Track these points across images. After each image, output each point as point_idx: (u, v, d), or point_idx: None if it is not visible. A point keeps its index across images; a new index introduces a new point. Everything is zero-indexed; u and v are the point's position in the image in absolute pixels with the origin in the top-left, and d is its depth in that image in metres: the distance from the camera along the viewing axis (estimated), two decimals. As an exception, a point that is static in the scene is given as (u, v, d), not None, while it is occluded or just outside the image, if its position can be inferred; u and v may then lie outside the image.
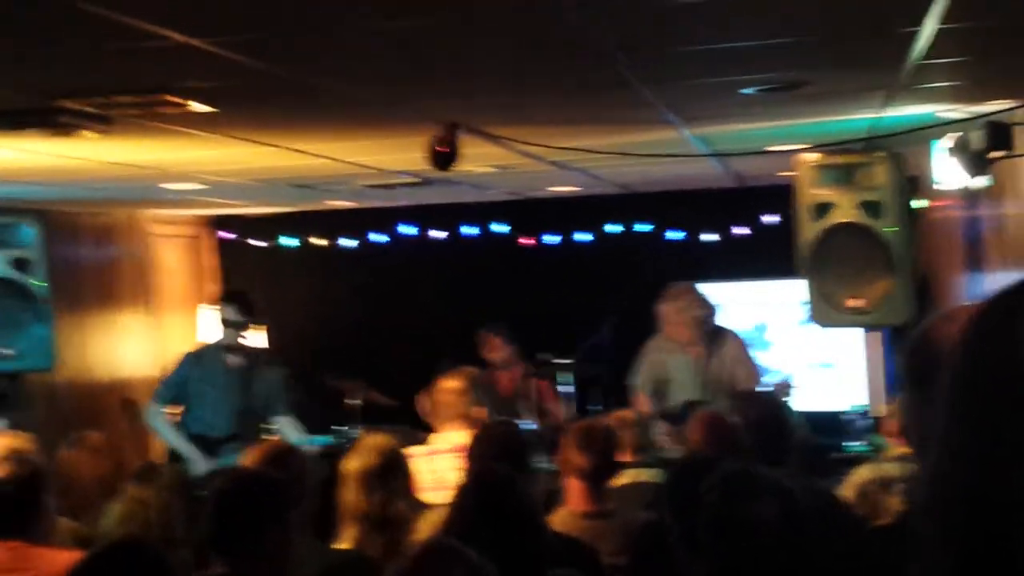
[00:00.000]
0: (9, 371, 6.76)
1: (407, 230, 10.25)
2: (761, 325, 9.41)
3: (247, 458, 4.16)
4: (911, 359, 1.85)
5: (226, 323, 7.05)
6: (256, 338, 8.78)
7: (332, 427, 8.06)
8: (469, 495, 3.32)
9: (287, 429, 6.96)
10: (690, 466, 3.99)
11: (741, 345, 7.33)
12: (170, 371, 7.29)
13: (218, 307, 7.15)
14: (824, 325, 6.86)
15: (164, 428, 7.08)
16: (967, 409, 1.22)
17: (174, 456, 7.06)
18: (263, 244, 10.55)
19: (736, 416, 4.46)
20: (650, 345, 7.43)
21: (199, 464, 6.92)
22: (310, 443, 6.88)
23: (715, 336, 7.21)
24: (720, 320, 7.35)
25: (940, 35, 3.45)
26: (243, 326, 7.09)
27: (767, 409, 4.70)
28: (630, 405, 7.05)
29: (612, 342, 8.33)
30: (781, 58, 3.83)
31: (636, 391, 7.40)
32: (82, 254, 9.02)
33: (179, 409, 7.14)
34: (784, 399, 6.79)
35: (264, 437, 6.88)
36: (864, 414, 6.97)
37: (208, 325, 8.40)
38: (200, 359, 7.22)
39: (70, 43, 3.06)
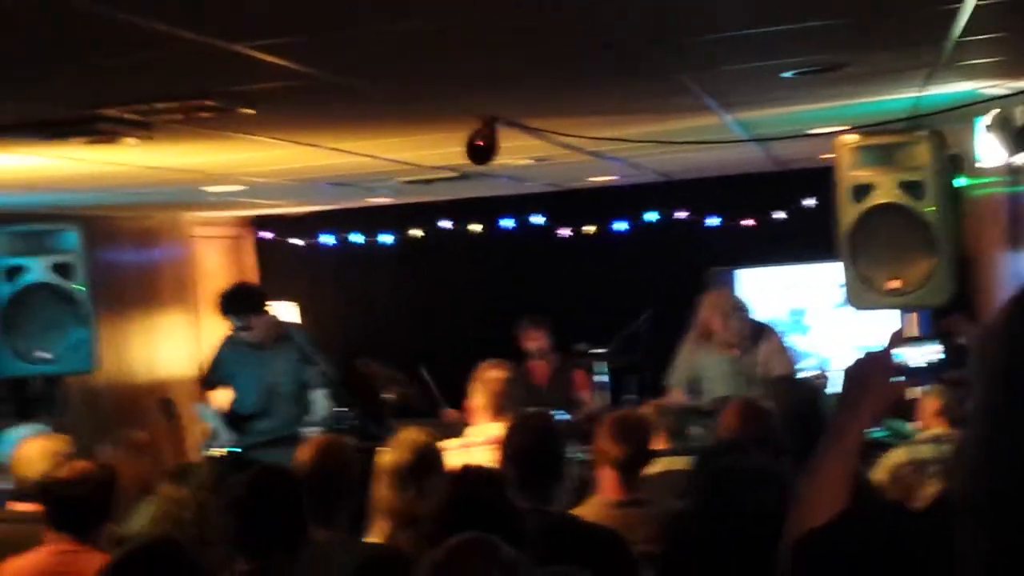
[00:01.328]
0: (49, 374, 6.85)
1: (445, 224, 10.25)
2: (800, 309, 9.37)
3: (302, 452, 4.17)
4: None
5: (241, 330, 7.24)
6: (288, 313, 8.92)
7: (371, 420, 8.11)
8: (446, 494, 3.30)
9: (320, 403, 7.07)
10: (718, 451, 3.98)
11: (778, 339, 7.38)
12: (210, 361, 7.50)
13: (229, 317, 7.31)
14: (861, 307, 6.80)
15: (204, 408, 7.29)
16: (1010, 393, 1.19)
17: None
18: (302, 243, 10.58)
19: (770, 403, 4.44)
20: (685, 344, 7.47)
21: (221, 437, 7.06)
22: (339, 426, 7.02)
23: (752, 334, 7.22)
24: (758, 310, 7.36)
25: (979, 11, 3.41)
26: (247, 327, 7.26)
27: (801, 395, 4.71)
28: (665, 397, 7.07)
29: (649, 331, 8.30)
30: (821, 40, 3.80)
31: (671, 389, 7.42)
32: (123, 258, 9.08)
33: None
34: (820, 386, 6.78)
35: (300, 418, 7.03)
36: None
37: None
38: (231, 340, 7.49)
39: (110, 53, 3.07)
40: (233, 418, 7.20)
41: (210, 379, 7.40)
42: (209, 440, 7.25)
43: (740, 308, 7.27)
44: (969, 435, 1.22)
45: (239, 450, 7.01)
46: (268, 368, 7.25)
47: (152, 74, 3.37)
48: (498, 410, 5.26)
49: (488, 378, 5.34)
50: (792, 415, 4.39)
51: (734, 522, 2.90)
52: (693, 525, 3.12)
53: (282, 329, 7.58)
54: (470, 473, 3.46)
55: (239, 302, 7.33)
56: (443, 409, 8.10)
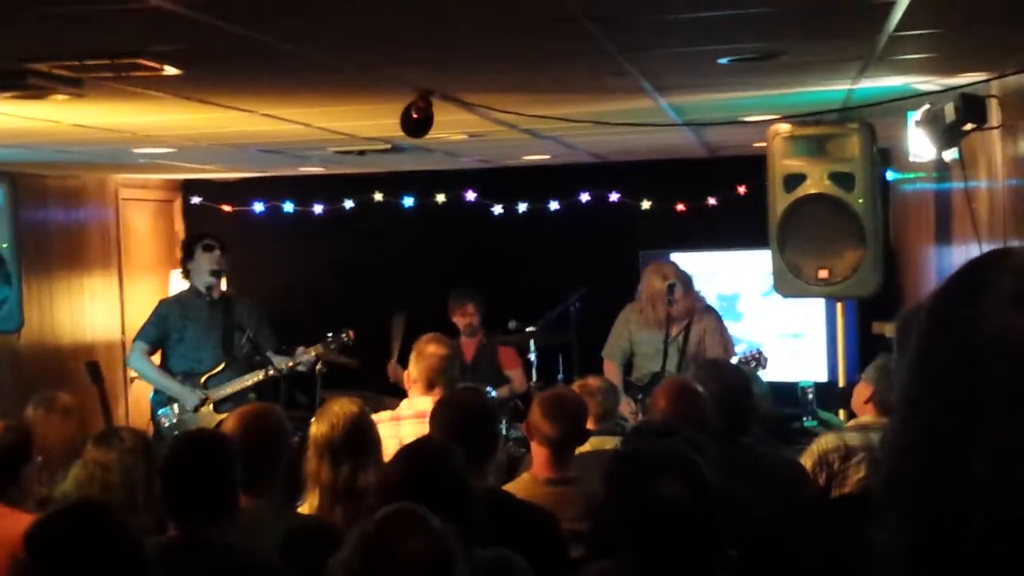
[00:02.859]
0: (-30, 332, 6.74)
1: (378, 197, 10.22)
2: (733, 295, 9.46)
3: (227, 423, 4.14)
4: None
5: (214, 272, 7.13)
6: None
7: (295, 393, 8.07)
8: (396, 467, 3.26)
9: (277, 358, 7.02)
10: (646, 432, 4.00)
11: (716, 319, 7.39)
12: (149, 317, 7.36)
13: (201, 253, 7.18)
14: (788, 295, 6.87)
15: (148, 368, 7.20)
16: (926, 382, 1.21)
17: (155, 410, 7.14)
18: (232, 209, 10.49)
19: (701, 385, 4.47)
20: (623, 315, 7.50)
21: (190, 398, 7.00)
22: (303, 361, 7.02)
23: (691, 311, 7.23)
24: (697, 293, 7.36)
25: (915, 6, 3.44)
26: (226, 275, 7.20)
27: (732, 379, 4.73)
28: (600, 373, 7.06)
29: (579, 312, 8.33)
30: (759, 28, 3.82)
31: (605, 360, 7.44)
32: (50, 217, 8.95)
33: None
34: (751, 369, 6.84)
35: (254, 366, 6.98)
36: (809, 389, 7.01)
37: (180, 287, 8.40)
38: (177, 300, 7.41)
39: (42, 6, 3.02)
40: (192, 377, 7.12)
41: (150, 332, 7.27)
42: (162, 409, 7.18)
43: (684, 281, 7.24)
44: (890, 422, 1.24)
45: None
46: (228, 320, 7.16)
47: (83, 29, 3.32)
48: (430, 384, 5.24)
49: (426, 352, 5.30)
50: (723, 398, 4.42)
51: (639, 506, 2.91)
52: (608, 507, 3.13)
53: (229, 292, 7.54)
54: (422, 447, 3.43)
55: (224, 248, 7.26)
56: (392, 361, 8.11)
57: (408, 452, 3.35)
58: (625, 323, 7.45)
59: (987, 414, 1.14)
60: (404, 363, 5.62)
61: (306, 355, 7.08)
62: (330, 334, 7.19)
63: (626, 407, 6.89)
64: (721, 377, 4.65)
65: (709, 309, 7.46)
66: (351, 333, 7.25)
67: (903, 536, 1.19)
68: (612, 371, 7.26)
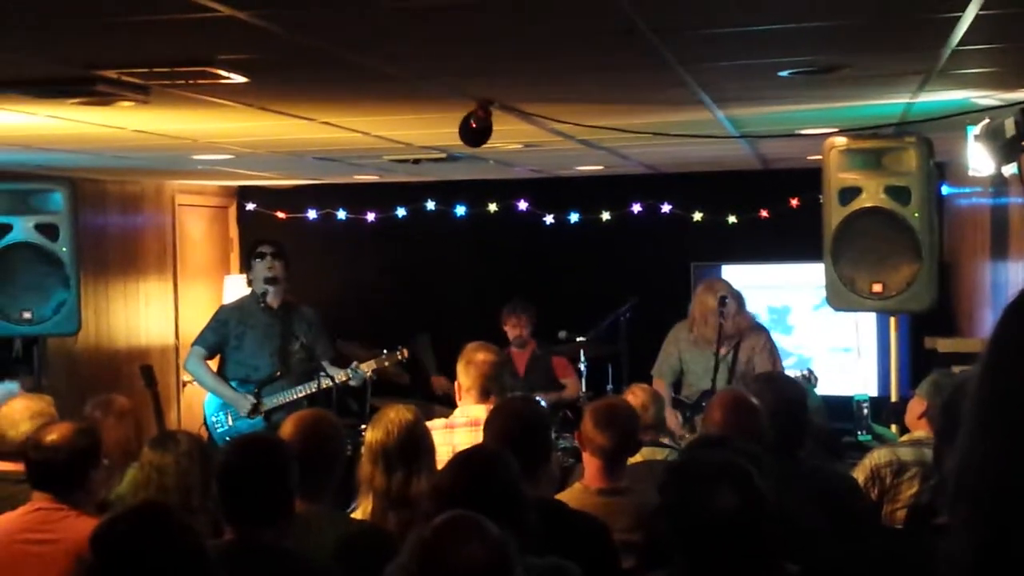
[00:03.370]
0: (32, 335, 6.80)
1: (430, 205, 10.26)
2: (784, 308, 9.42)
3: (283, 427, 4.17)
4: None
5: (268, 280, 7.13)
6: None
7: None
8: (450, 474, 3.27)
9: (331, 369, 7.03)
10: (701, 444, 3.99)
11: (766, 337, 7.35)
12: (208, 323, 7.39)
13: (255, 261, 7.20)
14: (841, 308, 6.84)
15: (204, 373, 7.21)
16: (998, 397, 1.21)
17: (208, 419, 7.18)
18: (286, 215, 10.56)
19: (756, 398, 4.45)
20: (672, 334, 7.49)
21: (243, 404, 7.02)
22: (356, 374, 7.02)
23: (742, 330, 7.20)
24: (748, 310, 7.32)
25: (979, 21, 3.42)
26: (282, 281, 7.19)
27: (787, 392, 4.69)
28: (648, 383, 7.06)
29: (630, 322, 8.34)
30: (821, 41, 3.81)
31: (655, 379, 7.42)
32: (109, 222, 9.05)
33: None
34: (806, 384, 6.80)
35: (312, 376, 6.99)
36: (864, 403, 6.96)
37: (236, 293, 8.44)
38: (238, 307, 7.42)
39: (112, 14, 3.06)
40: (248, 385, 7.14)
41: (209, 337, 7.27)
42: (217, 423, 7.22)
43: (737, 299, 7.21)
44: (963, 428, 1.24)
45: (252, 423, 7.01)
46: (286, 330, 7.15)
47: (154, 37, 3.36)
48: (484, 392, 5.22)
49: (476, 360, 5.27)
50: (778, 412, 4.40)
51: (694, 515, 2.90)
52: (663, 518, 3.13)
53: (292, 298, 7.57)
54: (477, 454, 3.44)
55: (286, 257, 7.27)
56: (434, 376, 8.13)
57: (463, 459, 3.36)
58: (675, 342, 7.44)
59: None
60: (446, 374, 5.62)
61: (360, 370, 7.10)
62: (385, 351, 7.20)
63: (673, 421, 6.88)
64: (776, 390, 4.62)
65: (759, 327, 7.43)
66: (404, 352, 7.26)
67: (970, 548, 1.19)
68: (662, 389, 7.23)
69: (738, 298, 7.20)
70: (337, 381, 6.95)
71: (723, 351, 7.05)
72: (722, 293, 7.09)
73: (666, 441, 5.91)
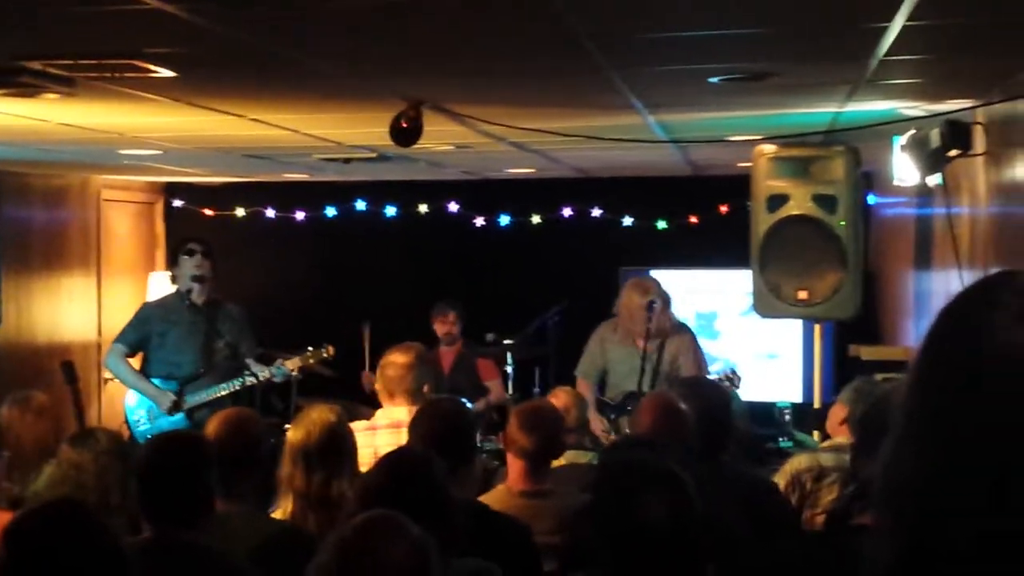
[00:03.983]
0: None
1: (360, 205, 10.22)
2: (711, 314, 9.48)
3: (209, 425, 4.14)
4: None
5: (195, 278, 7.05)
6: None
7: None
8: (377, 475, 3.25)
9: (256, 366, 6.97)
10: (626, 447, 4.00)
11: (691, 339, 7.31)
12: (130, 320, 7.30)
13: (182, 258, 7.12)
14: (767, 315, 6.90)
15: (124, 370, 7.13)
16: (928, 398, 1.22)
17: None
18: (215, 213, 10.47)
19: (682, 402, 4.47)
20: (597, 334, 7.42)
21: (163, 401, 6.95)
22: (279, 372, 6.96)
23: (667, 331, 7.19)
24: (674, 311, 7.32)
25: (907, 32, 3.47)
26: (208, 279, 7.11)
27: (713, 397, 4.71)
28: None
29: (558, 325, 8.36)
30: (751, 48, 3.84)
31: (579, 378, 7.40)
32: (32, 216, 8.91)
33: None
34: (731, 388, 6.85)
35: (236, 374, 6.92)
36: (786, 410, 7.02)
37: (161, 290, 8.34)
38: (161, 304, 7.34)
39: (37, 4, 3.01)
40: (170, 382, 7.07)
41: (129, 334, 7.15)
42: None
43: (664, 299, 7.16)
44: (889, 436, 1.25)
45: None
46: (211, 328, 7.05)
47: (80, 29, 3.31)
48: (390, 394, 5.23)
49: (385, 363, 5.31)
50: (703, 416, 4.42)
51: (627, 520, 2.90)
52: (590, 520, 3.12)
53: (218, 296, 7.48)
54: (404, 455, 3.42)
55: (212, 255, 7.18)
56: (366, 372, 8.10)
57: (389, 460, 3.33)
58: (600, 341, 7.39)
59: (989, 430, 1.14)
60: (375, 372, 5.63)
61: (284, 367, 7.04)
62: (310, 348, 7.15)
63: (597, 425, 6.89)
64: (702, 395, 4.64)
65: (684, 327, 7.42)
66: (331, 349, 7.19)
67: (891, 553, 1.19)
68: (585, 390, 7.21)
69: (665, 298, 7.19)
70: (261, 378, 6.90)
71: (648, 348, 7.04)
72: (651, 295, 7.08)
73: (589, 444, 5.93)
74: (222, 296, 7.40)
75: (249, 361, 7.04)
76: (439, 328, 8.59)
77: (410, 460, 3.33)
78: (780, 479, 5.01)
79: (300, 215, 10.35)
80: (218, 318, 7.16)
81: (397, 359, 5.31)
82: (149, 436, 6.74)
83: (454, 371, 8.47)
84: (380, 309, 9.58)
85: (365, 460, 4.77)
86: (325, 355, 7.15)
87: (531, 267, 9.79)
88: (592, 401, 6.98)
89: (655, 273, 8.76)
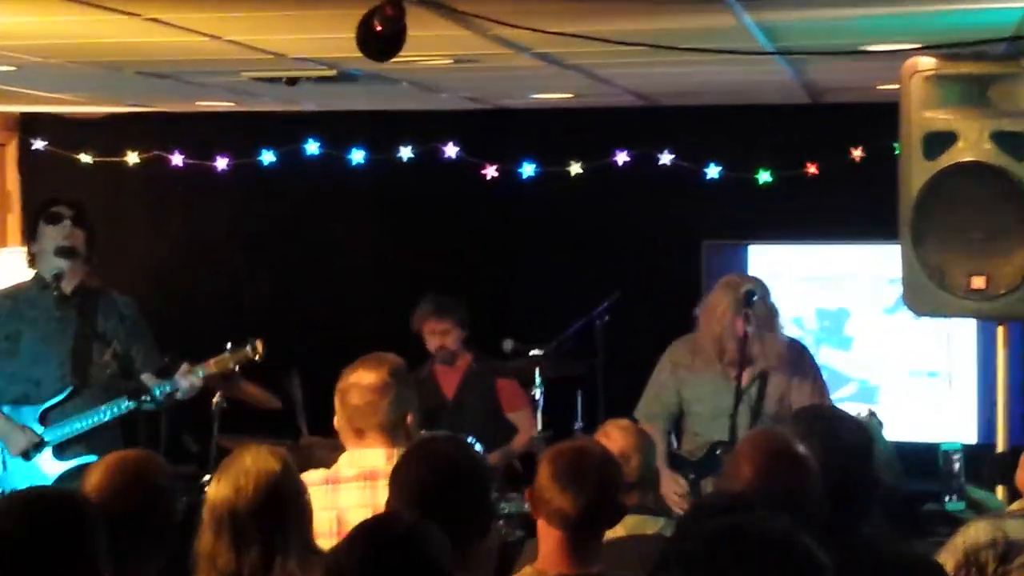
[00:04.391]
0: None
1: (312, 148, 10.22)
2: (839, 311, 9.46)
3: (89, 476, 4.15)
4: None
5: (62, 252, 7.07)
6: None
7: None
8: (349, 557, 3.26)
9: (156, 384, 6.98)
10: (715, 509, 3.98)
11: (809, 365, 7.37)
12: None
13: (44, 227, 7.14)
14: (925, 313, 6.89)
15: None
16: None
17: None
18: (95, 160, 10.49)
19: (804, 445, 4.45)
20: (667, 357, 7.48)
21: (18, 439, 6.97)
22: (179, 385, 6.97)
23: (772, 356, 7.21)
24: (782, 325, 7.35)
25: None
26: (83, 256, 7.12)
27: (846, 438, 4.69)
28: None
29: (610, 329, 8.35)
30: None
31: (640, 421, 7.38)
32: None
33: None
34: (870, 423, 6.85)
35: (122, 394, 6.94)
36: (956, 454, 7.00)
37: (13, 273, 8.35)
38: (13, 294, 7.36)
39: None
40: (27, 406, 7.09)
41: None
42: None
43: (768, 307, 7.21)
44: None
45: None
46: (86, 330, 7.09)
47: None
48: (360, 432, 5.25)
49: (347, 385, 5.30)
50: (833, 466, 4.40)
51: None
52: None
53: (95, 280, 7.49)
54: (386, 527, 3.41)
55: (86, 221, 7.20)
56: (303, 426, 8.10)
57: (365, 534, 3.33)
58: (671, 369, 7.42)
59: None
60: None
61: (191, 376, 7.03)
62: (229, 344, 7.16)
63: (672, 487, 6.90)
64: (831, 433, 4.62)
65: (798, 348, 7.43)
66: (260, 344, 7.20)
67: None
68: (659, 438, 7.21)
69: (770, 306, 7.19)
70: (161, 398, 6.91)
71: (745, 379, 7.05)
72: (749, 296, 7.08)
73: (657, 505, 5.93)
74: (103, 282, 7.41)
75: (146, 376, 7.06)
76: (430, 339, 8.57)
77: (396, 534, 3.33)
78: (948, 558, 5.01)
79: (221, 162, 10.34)
80: (98, 313, 7.17)
81: (363, 378, 5.30)
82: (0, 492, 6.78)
83: (462, 400, 8.50)
84: (340, 304, 9.59)
85: (323, 529, 4.80)
86: (252, 352, 7.16)
87: (568, 242, 9.80)
88: (663, 455, 6.98)
89: (754, 250, 8.78)
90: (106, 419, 7.01)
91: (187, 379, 6.98)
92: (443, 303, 8.60)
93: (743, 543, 2.95)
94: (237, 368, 7.14)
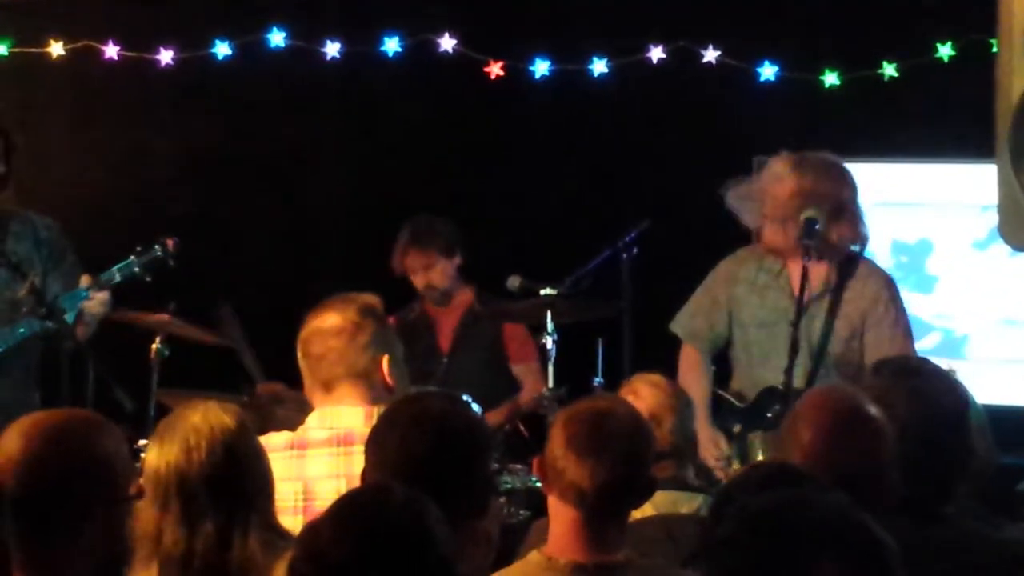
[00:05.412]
0: None
1: (277, 38, 10.19)
2: (920, 244, 9.46)
3: (4, 441, 4.14)
4: None
5: None
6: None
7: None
8: (330, 533, 3.27)
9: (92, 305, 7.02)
10: (764, 483, 3.97)
11: (888, 287, 7.35)
12: None
13: None
14: (1022, 247, 6.88)
15: None
16: None
17: None
18: (10, 52, 10.45)
19: (883, 406, 4.44)
20: (723, 267, 7.48)
21: None
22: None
23: (847, 264, 7.19)
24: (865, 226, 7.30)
25: None
26: None
27: (936, 400, 4.70)
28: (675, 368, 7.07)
29: (637, 263, 8.34)
30: None
31: (684, 341, 7.38)
32: None
33: None
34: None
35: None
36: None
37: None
38: None
39: None
40: None
41: None
42: None
43: (846, 185, 7.19)
44: None
45: None
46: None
47: None
48: (328, 386, 5.29)
49: (309, 332, 5.35)
50: (915, 435, 4.39)
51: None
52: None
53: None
54: (372, 501, 3.42)
55: None
56: (259, 381, 8.10)
57: (352, 512, 3.35)
58: (725, 280, 7.43)
59: None
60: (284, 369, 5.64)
61: (94, 289, 7.06)
62: (139, 248, 7.18)
63: (712, 450, 6.88)
64: (921, 395, 4.62)
65: (877, 270, 7.40)
66: (171, 243, 7.21)
67: None
68: (694, 366, 7.22)
69: (848, 184, 7.19)
70: (70, 310, 6.91)
71: (808, 292, 6.94)
72: (809, 216, 7.02)
73: (696, 479, 5.93)
74: (19, 205, 7.42)
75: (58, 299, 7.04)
76: (415, 276, 8.59)
77: (392, 512, 3.33)
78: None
79: (165, 56, 10.30)
80: (7, 237, 7.19)
81: (326, 321, 5.34)
82: None
83: (461, 347, 8.57)
84: (306, 233, 9.60)
85: (287, 504, 4.82)
86: (160, 253, 7.17)
87: (589, 157, 9.79)
88: (704, 394, 6.97)
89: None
90: (10, 344, 7.04)
91: (92, 296, 7.01)
92: (421, 228, 8.63)
93: (788, 525, 2.93)
94: (140, 269, 7.14)
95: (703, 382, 7.18)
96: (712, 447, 6.92)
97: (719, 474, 6.61)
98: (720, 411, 7.16)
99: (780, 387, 6.75)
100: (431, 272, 8.57)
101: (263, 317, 8.32)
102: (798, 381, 6.77)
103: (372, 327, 5.35)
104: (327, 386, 5.28)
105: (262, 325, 8.20)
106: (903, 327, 7.29)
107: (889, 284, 7.36)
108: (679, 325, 7.47)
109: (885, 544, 2.90)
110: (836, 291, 7.15)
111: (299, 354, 5.34)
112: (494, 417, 7.94)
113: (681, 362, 7.29)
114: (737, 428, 7.03)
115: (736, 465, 6.71)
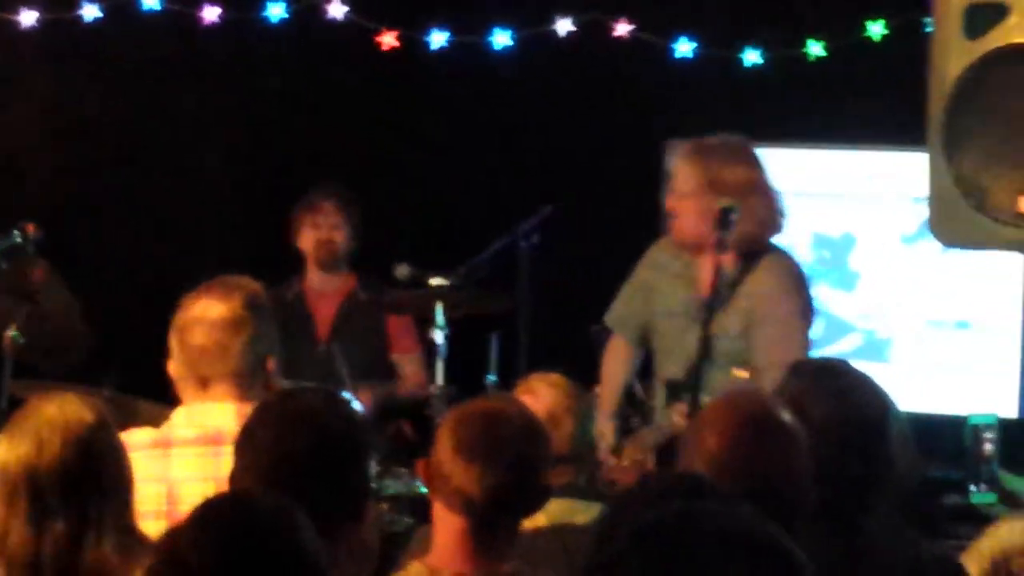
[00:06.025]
0: None
1: (151, 2, 10.15)
2: (844, 239, 9.50)
3: None
4: None
5: None
6: None
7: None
8: (193, 541, 3.26)
9: None
10: (664, 493, 3.97)
11: (790, 278, 7.37)
12: None
13: None
14: (956, 244, 6.92)
15: None
16: None
17: None
18: None
19: (801, 409, 4.46)
20: (651, 253, 7.49)
21: None
22: None
23: (750, 256, 7.20)
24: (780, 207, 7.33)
25: None
26: None
27: (854, 405, 4.73)
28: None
29: (537, 252, 8.35)
30: None
31: (615, 332, 7.41)
32: None
33: None
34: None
35: None
36: (987, 431, 7.06)
37: None
38: None
39: None
40: None
41: None
42: None
43: (758, 171, 7.24)
44: None
45: None
46: None
47: None
48: (204, 381, 5.29)
49: (188, 320, 5.32)
50: (833, 441, 4.42)
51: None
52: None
53: None
54: (239, 507, 3.42)
55: None
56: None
57: (214, 518, 3.34)
58: (646, 266, 7.46)
59: None
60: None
61: None
62: None
63: (600, 442, 6.89)
64: (841, 398, 4.65)
65: (781, 254, 7.40)
66: (31, 227, 7.20)
67: None
68: (614, 354, 7.26)
69: (761, 170, 7.23)
70: None
71: (714, 282, 6.90)
72: (725, 206, 7.03)
73: (587, 484, 5.96)
74: None
75: None
76: (308, 234, 8.64)
77: (258, 518, 3.33)
78: (971, 565, 5.05)
79: (28, 18, 10.25)
80: None
81: (209, 311, 5.32)
82: None
83: (341, 332, 8.56)
84: (179, 212, 9.59)
85: (149, 507, 4.81)
86: (19, 240, 7.16)
87: (487, 137, 9.81)
88: (620, 379, 7.00)
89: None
90: None
91: None
92: (341, 190, 8.72)
93: (684, 539, 2.94)
94: (4, 264, 7.13)
95: (620, 371, 7.24)
96: (602, 440, 6.92)
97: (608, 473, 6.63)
98: (669, 388, 7.15)
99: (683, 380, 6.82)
100: (336, 231, 8.61)
101: (128, 293, 8.30)
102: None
103: (258, 321, 5.34)
104: (204, 382, 5.26)
105: (129, 300, 8.21)
106: (798, 327, 7.29)
107: (791, 275, 7.36)
108: (610, 317, 7.53)
109: (794, 558, 2.90)
110: (733, 285, 7.15)
111: (174, 342, 5.30)
112: (366, 398, 7.88)
113: (610, 349, 7.31)
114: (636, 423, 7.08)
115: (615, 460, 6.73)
